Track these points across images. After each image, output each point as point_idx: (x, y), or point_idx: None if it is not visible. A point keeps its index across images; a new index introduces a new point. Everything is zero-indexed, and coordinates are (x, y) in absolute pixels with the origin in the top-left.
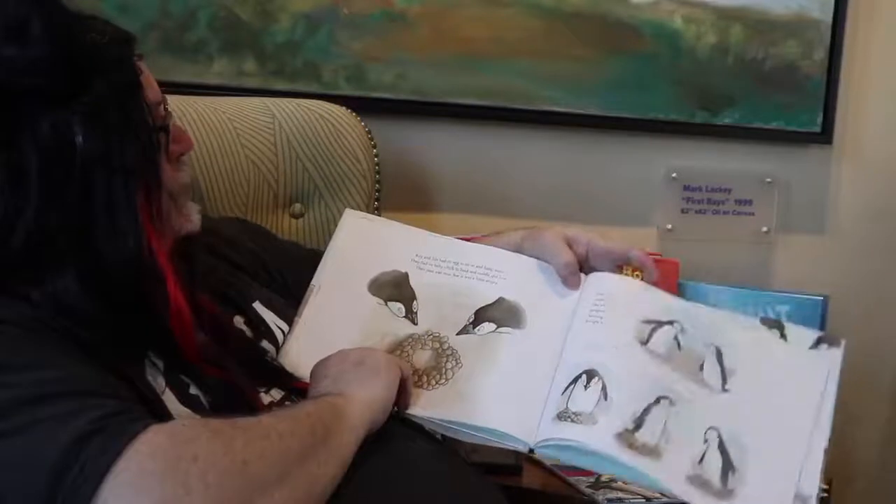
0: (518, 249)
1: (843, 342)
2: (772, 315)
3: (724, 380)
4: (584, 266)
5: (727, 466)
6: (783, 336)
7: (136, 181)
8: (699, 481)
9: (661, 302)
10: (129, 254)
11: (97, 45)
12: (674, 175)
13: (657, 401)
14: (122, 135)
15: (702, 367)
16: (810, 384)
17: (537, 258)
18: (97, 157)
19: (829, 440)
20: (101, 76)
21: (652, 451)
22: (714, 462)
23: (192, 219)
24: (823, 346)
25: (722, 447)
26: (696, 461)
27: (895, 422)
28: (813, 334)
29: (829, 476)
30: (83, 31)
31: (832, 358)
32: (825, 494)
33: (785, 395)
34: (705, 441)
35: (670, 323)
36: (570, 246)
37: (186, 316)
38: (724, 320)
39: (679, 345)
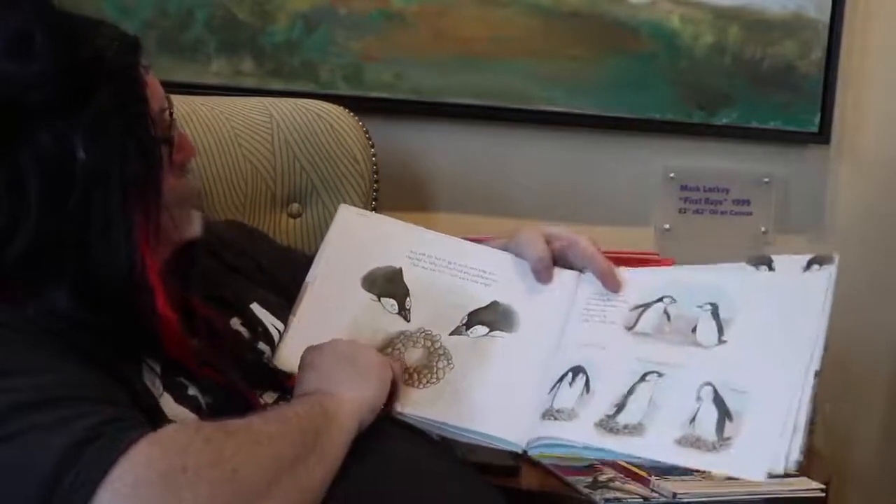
0: (505, 250)
1: (836, 257)
2: None
3: (721, 332)
4: (564, 262)
5: (723, 416)
6: (771, 269)
7: (134, 197)
8: (689, 441)
9: (650, 284)
10: (120, 270)
11: (102, 56)
12: (671, 175)
13: (643, 378)
14: (123, 149)
15: (694, 330)
16: (809, 305)
17: (515, 254)
18: (97, 172)
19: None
20: (104, 89)
21: (635, 430)
22: (708, 416)
23: (194, 226)
24: (815, 267)
25: (717, 399)
26: (688, 422)
27: (894, 421)
28: (803, 258)
29: (828, 475)
30: (88, 41)
31: (827, 275)
32: (824, 494)
33: (783, 324)
34: (698, 399)
35: (659, 300)
36: (548, 242)
37: (175, 329)
38: (715, 275)
39: (669, 317)
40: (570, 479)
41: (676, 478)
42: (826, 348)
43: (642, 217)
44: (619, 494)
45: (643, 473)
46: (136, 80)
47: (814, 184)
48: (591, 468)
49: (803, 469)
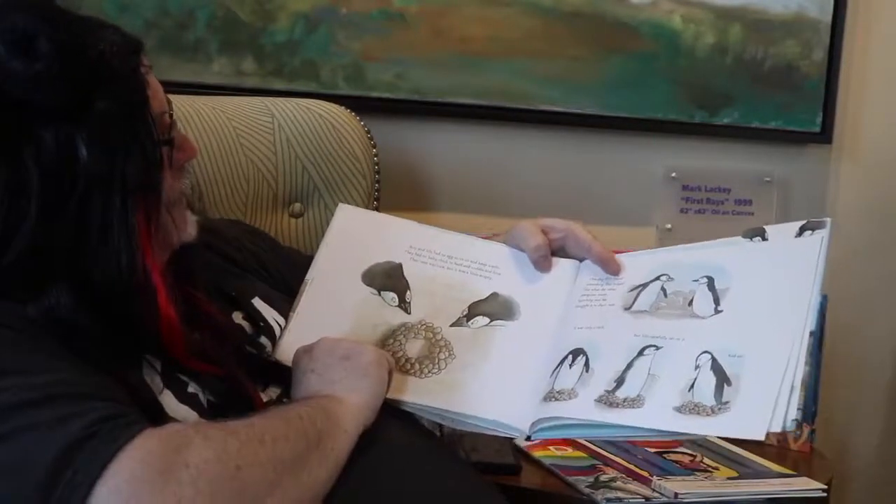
0: (503, 244)
1: (828, 221)
2: None
3: (717, 303)
4: (563, 253)
5: (721, 381)
6: (765, 239)
7: (135, 200)
8: (689, 408)
9: (647, 265)
10: (120, 274)
11: (105, 58)
12: (673, 175)
13: (641, 353)
14: (125, 152)
15: (691, 303)
16: (801, 268)
17: (513, 246)
18: (99, 172)
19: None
20: (107, 92)
21: (634, 402)
22: (706, 383)
23: (189, 229)
24: (808, 233)
25: (715, 366)
26: (686, 390)
27: (894, 421)
28: (796, 225)
29: (829, 476)
30: (92, 43)
31: (819, 239)
32: (825, 494)
33: (777, 288)
34: (696, 367)
35: (657, 279)
36: (545, 233)
37: (177, 329)
38: (710, 251)
39: (665, 293)
40: (571, 478)
41: (678, 477)
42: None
43: (644, 217)
44: (620, 494)
45: (644, 473)
46: (138, 82)
47: (815, 183)
48: (592, 468)
49: (805, 469)
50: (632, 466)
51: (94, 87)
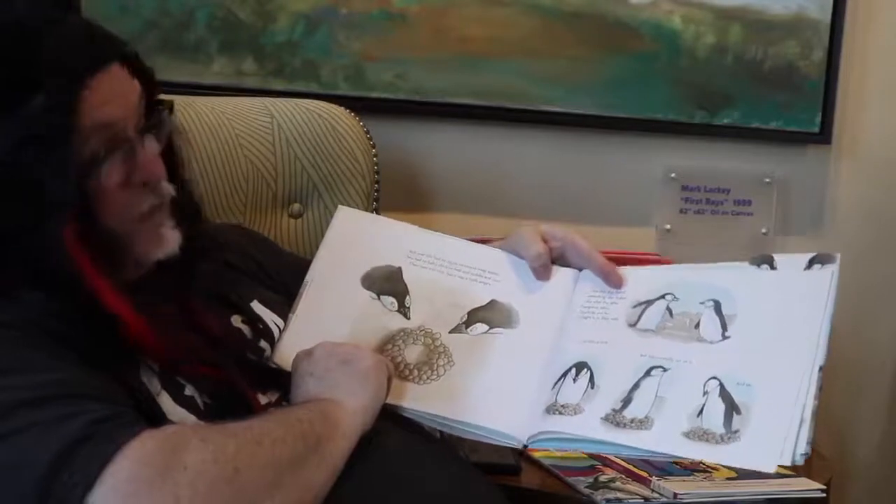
0: (503, 249)
1: (837, 256)
2: None
3: (725, 328)
4: (563, 262)
5: (730, 409)
6: (773, 268)
7: (61, 213)
8: (698, 434)
9: (651, 281)
10: (61, 278)
11: (44, 59)
12: (672, 175)
13: (647, 373)
14: (48, 161)
15: (697, 326)
16: (811, 302)
17: (513, 253)
18: (20, 181)
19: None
20: (37, 95)
21: (642, 423)
22: (715, 410)
23: (165, 246)
24: (817, 266)
25: (723, 393)
26: (695, 415)
27: (895, 422)
28: (805, 257)
29: (828, 476)
30: (38, 40)
31: (829, 273)
32: (825, 494)
33: (786, 321)
34: (704, 393)
35: (662, 297)
36: (545, 241)
37: (138, 329)
38: (717, 273)
39: (671, 313)
40: (571, 479)
41: (677, 478)
42: (827, 350)
43: (643, 217)
44: (619, 495)
45: (644, 473)
46: (74, 90)
47: (815, 184)
48: (592, 468)
49: (804, 469)
50: (631, 467)
51: (24, 88)
